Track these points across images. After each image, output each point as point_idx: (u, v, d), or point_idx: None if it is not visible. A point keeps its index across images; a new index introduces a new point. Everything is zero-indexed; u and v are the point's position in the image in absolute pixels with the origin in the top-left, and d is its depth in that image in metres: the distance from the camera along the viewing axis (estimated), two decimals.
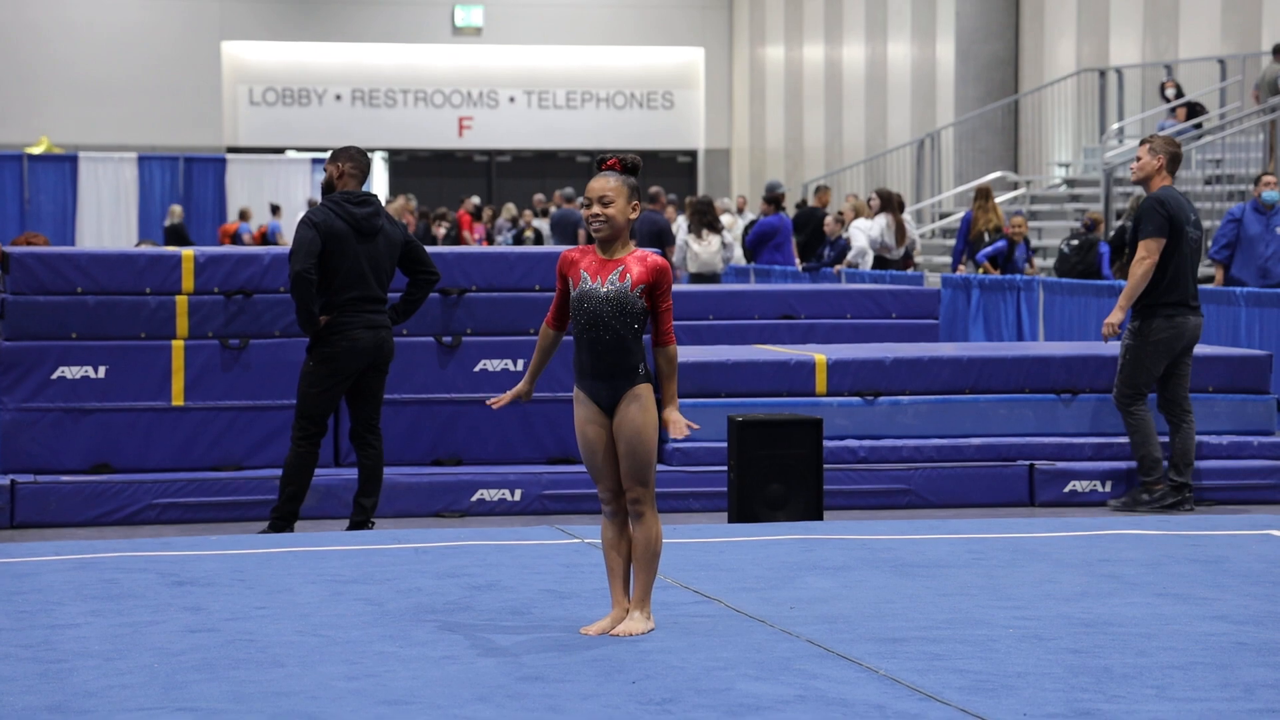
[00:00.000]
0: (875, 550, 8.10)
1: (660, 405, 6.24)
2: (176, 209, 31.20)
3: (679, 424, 6.20)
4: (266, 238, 30.38)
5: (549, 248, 13.32)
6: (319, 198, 10.44)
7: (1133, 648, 6.05)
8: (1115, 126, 24.55)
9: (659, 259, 6.23)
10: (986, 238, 19.33)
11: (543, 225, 28.23)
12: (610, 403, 6.19)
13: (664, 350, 6.21)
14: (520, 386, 6.39)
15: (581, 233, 25.55)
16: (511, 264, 10.99)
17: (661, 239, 19.87)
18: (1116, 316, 10.72)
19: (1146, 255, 10.60)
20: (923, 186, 27.16)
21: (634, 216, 6.20)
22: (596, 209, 6.16)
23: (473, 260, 10.99)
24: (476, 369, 10.91)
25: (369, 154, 9.76)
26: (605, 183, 6.19)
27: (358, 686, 5.51)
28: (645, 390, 6.19)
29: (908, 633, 6.28)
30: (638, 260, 6.19)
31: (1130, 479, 11.03)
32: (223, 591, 7.07)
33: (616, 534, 6.28)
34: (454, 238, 27.97)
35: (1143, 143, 10.93)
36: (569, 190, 28.88)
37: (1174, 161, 10.78)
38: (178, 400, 10.54)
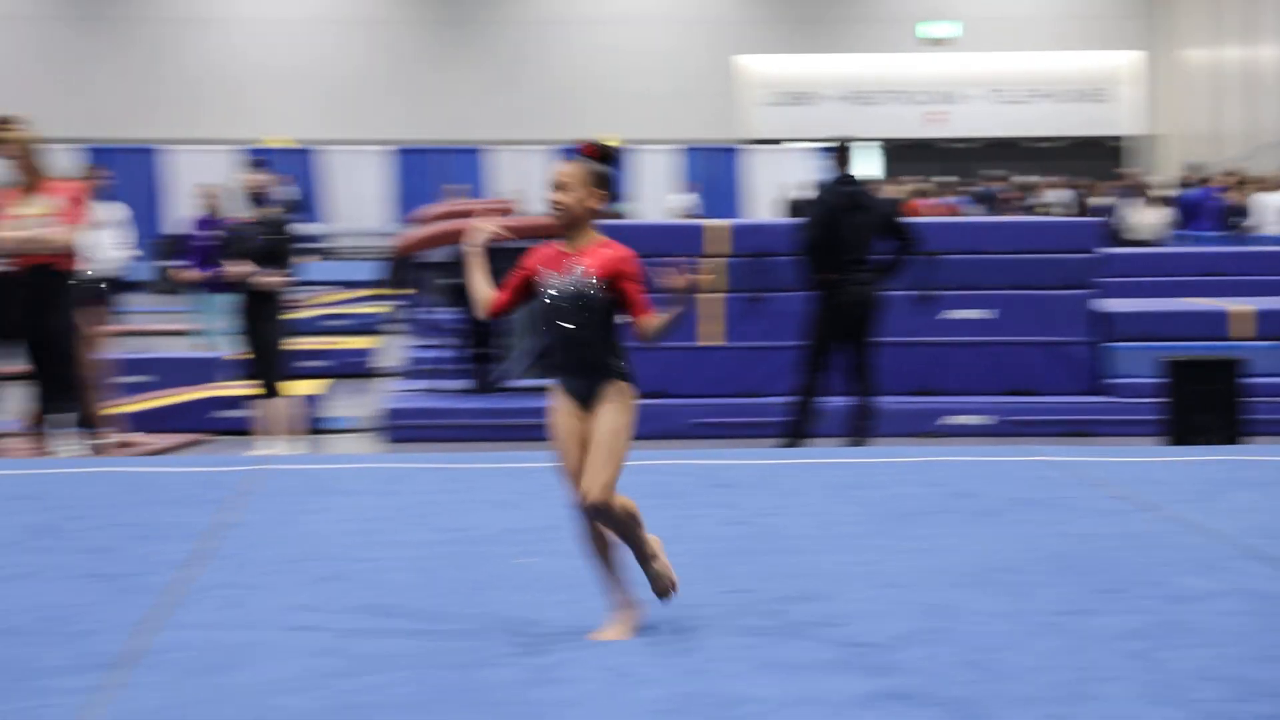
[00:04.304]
0: None
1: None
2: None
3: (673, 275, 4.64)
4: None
5: (1004, 219, 13.09)
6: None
7: None
8: None
9: (623, 248, 4.68)
10: None
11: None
12: (587, 397, 4.68)
13: (642, 324, 4.68)
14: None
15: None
16: (974, 232, 10.89)
17: None
18: None
19: None
20: None
21: (594, 206, 4.67)
22: (554, 195, 4.67)
23: (943, 229, 10.92)
24: (946, 317, 10.82)
25: (854, 143, 9.79)
26: (566, 168, 4.68)
27: (860, 571, 5.54)
28: (625, 389, 4.68)
29: None
30: (599, 251, 4.67)
31: None
32: (750, 492, 7.19)
33: (597, 530, 4.80)
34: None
35: None
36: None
37: None
38: (714, 340, 10.77)
